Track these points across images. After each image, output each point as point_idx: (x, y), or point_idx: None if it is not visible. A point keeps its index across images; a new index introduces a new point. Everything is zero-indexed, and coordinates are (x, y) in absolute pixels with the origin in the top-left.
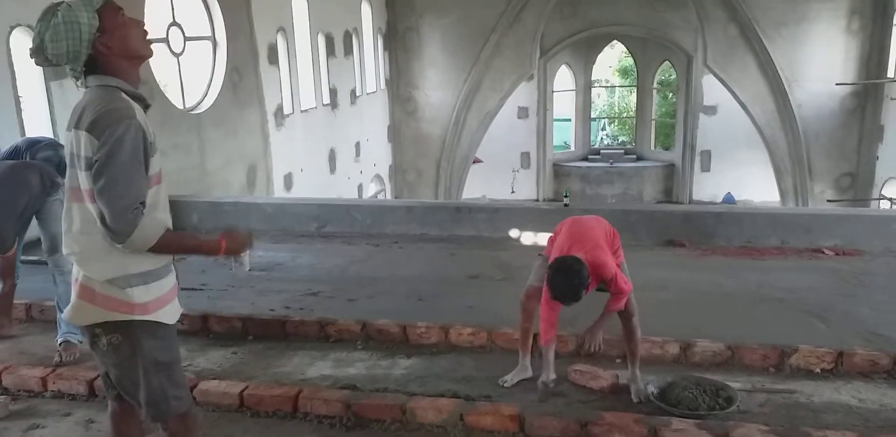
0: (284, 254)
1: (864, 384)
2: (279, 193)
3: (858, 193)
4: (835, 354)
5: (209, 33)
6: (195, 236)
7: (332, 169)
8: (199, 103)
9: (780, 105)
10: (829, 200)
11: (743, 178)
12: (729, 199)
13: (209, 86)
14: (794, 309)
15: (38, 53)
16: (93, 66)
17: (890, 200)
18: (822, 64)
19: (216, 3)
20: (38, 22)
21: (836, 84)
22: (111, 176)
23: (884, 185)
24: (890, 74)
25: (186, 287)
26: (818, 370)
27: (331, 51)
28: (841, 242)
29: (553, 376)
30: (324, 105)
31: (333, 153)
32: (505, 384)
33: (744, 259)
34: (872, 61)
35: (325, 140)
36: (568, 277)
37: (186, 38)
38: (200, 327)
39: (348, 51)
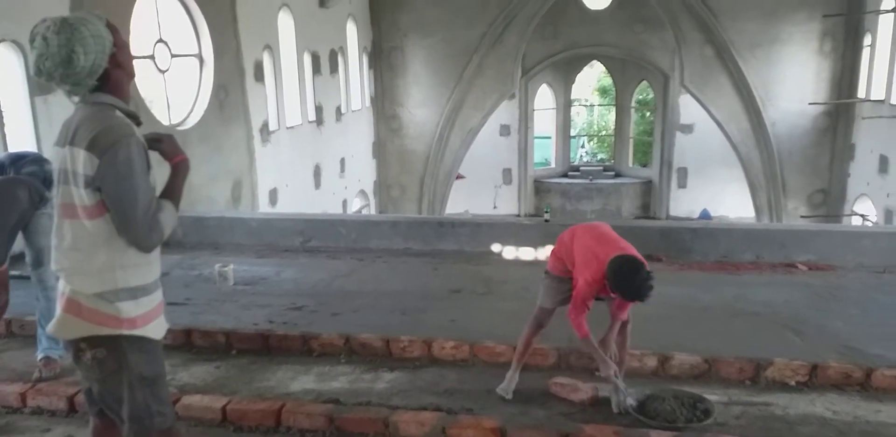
0: (269, 268)
1: (837, 396)
2: (264, 208)
3: (831, 210)
4: (809, 367)
5: (196, 51)
6: (172, 188)
7: (318, 185)
8: (184, 120)
9: (755, 124)
10: (802, 217)
11: (719, 194)
12: (705, 215)
13: (195, 102)
14: (769, 323)
15: (68, 65)
16: (98, 82)
17: (861, 216)
18: (794, 84)
19: (203, 20)
20: (55, 35)
21: (809, 103)
22: (132, 195)
23: (855, 201)
24: (860, 95)
25: (170, 302)
26: (793, 383)
27: (317, 69)
28: (814, 257)
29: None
30: (309, 122)
31: (318, 169)
32: (507, 396)
33: (720, 274)
34: (844, 82)
35: (311, 156)
36: (638, 271)
37: (173, 55)
38: (184, 342)
39: (334, 69)
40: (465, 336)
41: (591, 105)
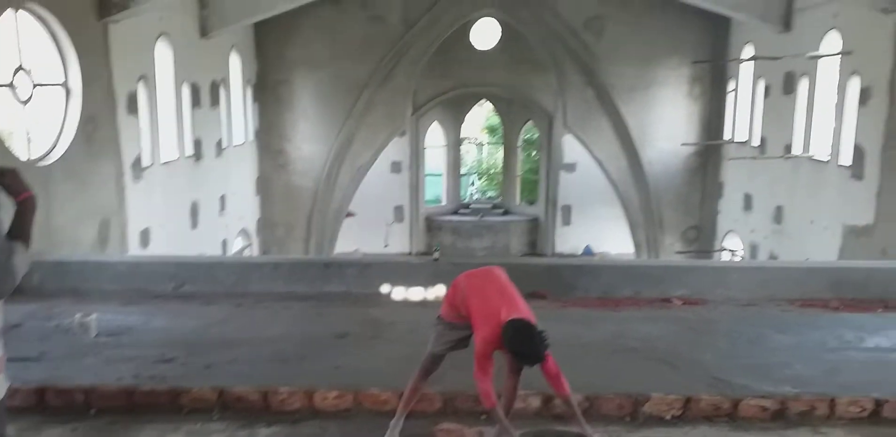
0: (136, 317)
1: (708, 427)
2: (135, 250)
3: (703, 245)
4: (683, 400)
5: (62, 80)
6: (20, 228)
7: (195, 224)
8: (47, 154)
9: (633, 163)
10: (677, 252)
11: (601, 231)
12: (588, 251)
13: (60, 136)
14: (646, 358)
15: None
16: None
17: (730, 251)
18: (668, 126)
19: (71, 48)
20: None
21: (681, 144)
22: None
23: (725, 237)
24: (726, 136)
25: (21, 357)
26: (668, 417)
27: (196, 101)
28: (688, 291)
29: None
30: (187, 157)
31: (196, 207)
32: None
33: (601, 310)
34: (712, 124)
35: (188, 193)
36: (536, 338)
37: (35, 85)
38: (36, 402)
39: (215, 101)
40: (349, 384)
41: (481, 143)
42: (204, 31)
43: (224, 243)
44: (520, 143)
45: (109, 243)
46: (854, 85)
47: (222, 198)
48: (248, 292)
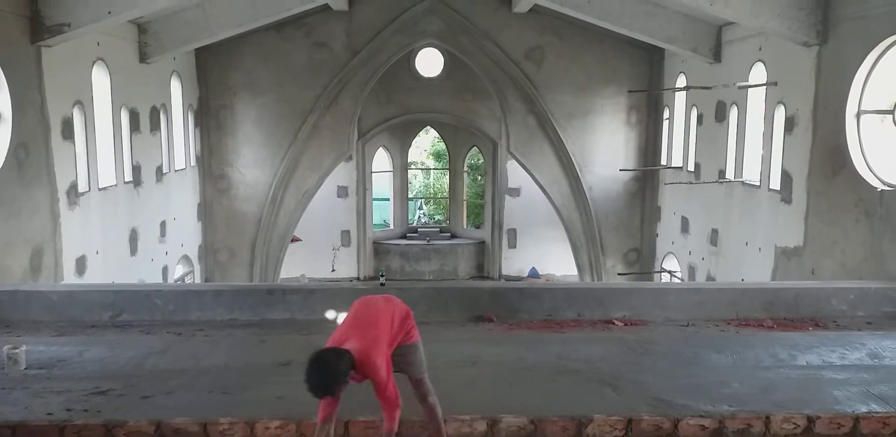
0: (70, 348)
1: None
2: (70, 279)
3: (643, 267)
4: (625, 421)
5: None
6: None
7: (134, 250)
8: None
9: (574, 188)
10: (619, 274)
11: (546, 253)
12: (533, 273)
13: None
14: (589, 379)
15: None
16: None
17: (670, 272)
18: (608, 151)
19: (0, 72)
20: None
21: (620, 170)
22: None
23: (664, 259)
24: (663, 162)
25: None
26: None
27: (135, 126)
28: (629, 313)
29: None
30: (125, 182)
31: (135, 234)
32: None
33: (545, 332)
34: (649, 150)
35: (126, 220)
36: (321, 372)
37: None
38: None
39: (155, 126)
40: (291, 414)
41: (427, 168)
42: (143, 57)
43: (165, 270)
44: (465, 168)
45: (42, 272)
46: (780, 114)
47: (163, 224)
48: (189, 320)
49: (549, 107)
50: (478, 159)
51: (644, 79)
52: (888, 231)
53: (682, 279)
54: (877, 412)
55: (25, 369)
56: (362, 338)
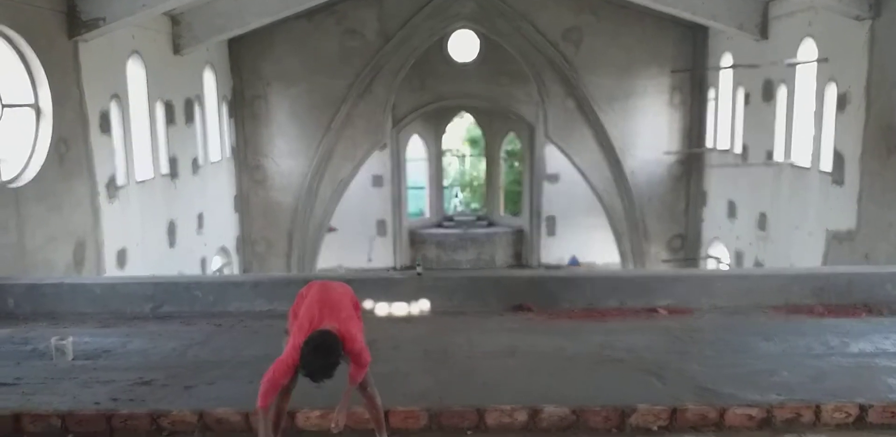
0: (114, 339)
1: None
2: (112, 271)
3: (688, 253)
4: (669, 411)
5: (32, 100)
6: None
7: (172, 243)
8: (18, 176)
9: (615, 173)
10: (663, 261)
11: (586, 241)
12: (573, 261)
13: (31, 157)
14: (633, 369)
15: None
16: None
17: (716, 259)
18: (650, 134)
19: (41, 67)
20: None
21: (664, 153)
22: None
23: (710, 245)
24: (708, 144)
25: None
26: (655, 428)
27: (170, 118)
28: (673, 301)
29: None
30: (162, 175)
31: (173, 226)
32: None
33: (587, 322)
34: (693, 132)
35: (164, 212)
36: (326, 355)
37: (4, 105)
38: (12, 429)
39: (190, 118)
40: (332, 403)
41: (463, 155)
42: (177, 49)
43: (203, 262)
44: (502, 154)
45: (85, 265)
46: (831, 92)
47: (200, 216)
48: (228, 311)
49: (588, 89)
50: (515, 145)
51: (687, 58)
52: None
53: (729, 266)
54: None
55: (73, 359)
56: (337, 315)
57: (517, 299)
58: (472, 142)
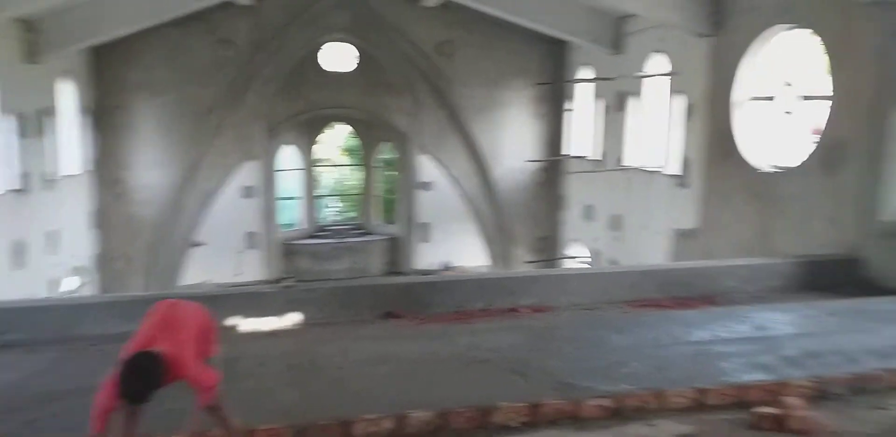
0: None
1: (554, 431)
2: None
3: (550, 254)
4: (528, 407)
5: None
6: None
7: (19, 264)
8: None
9: (484, 180)
10: (525, 262)
11: (458, 246)
12: (444, 266)
13: None
14: (497, 368)
15: None
16: None
17: (575, 258)
18: (515, 143)
19: None
20: None
21: (526, 161)
22: None
23: (570, 246)
24: (566, 152)
25: None
26: (516, 424)
27: (22, 131)
28: (536, 300)
29: None
30: (11, 191)
31: (21, 246)
32: None
33: (455, 324)
34: (554, 141)
35: (10, 231)
36: (140, 379)
37: None
38: None
39: (45, 130)
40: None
41: (336, 165)
42: (30, 57)
43: (53, 283)
44: (377, 163)
45: None
46: (679, 102)
47: (52, 234)
48: (79, 335)
49: (459, 100)
50: (391, 154)
51: (550, 72)
52: (774, 211)
53: (589, 265)
54: (760, 381)
55: None
56: (172, 337)
57: (389, 307)
58: (349, 151)
